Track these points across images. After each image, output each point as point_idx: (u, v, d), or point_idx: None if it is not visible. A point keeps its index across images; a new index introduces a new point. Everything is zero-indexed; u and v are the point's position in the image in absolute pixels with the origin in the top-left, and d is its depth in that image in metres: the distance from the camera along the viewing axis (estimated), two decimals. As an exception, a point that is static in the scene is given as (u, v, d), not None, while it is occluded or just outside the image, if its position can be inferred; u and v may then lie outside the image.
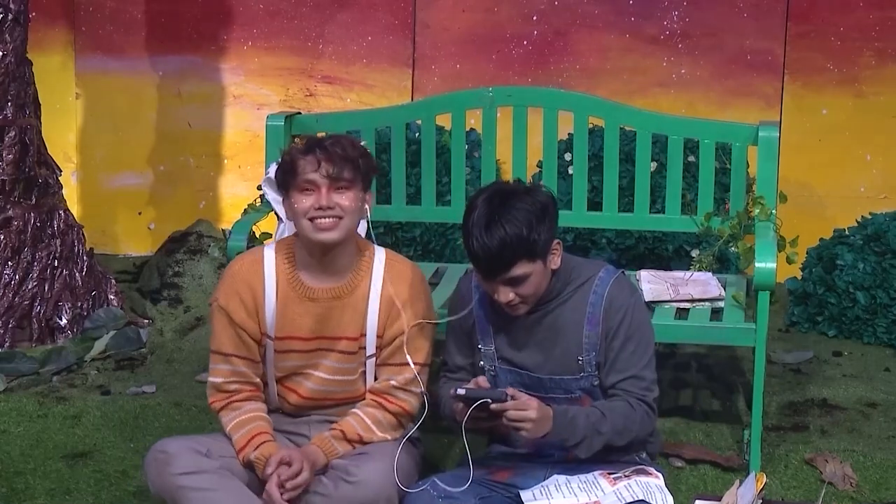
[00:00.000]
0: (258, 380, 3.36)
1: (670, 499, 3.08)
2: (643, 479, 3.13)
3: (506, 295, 3.10)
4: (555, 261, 3.14)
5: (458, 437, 3.15)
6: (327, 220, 3.20)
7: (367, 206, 3.31)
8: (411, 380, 3.32)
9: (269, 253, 3.35)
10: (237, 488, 3.18)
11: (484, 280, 3.14)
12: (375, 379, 3.37)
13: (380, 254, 3.37)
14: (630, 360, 3.16)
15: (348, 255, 3.31)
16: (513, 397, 3.00)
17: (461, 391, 3.04)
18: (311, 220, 3.20)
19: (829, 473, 3.87)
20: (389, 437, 3.30)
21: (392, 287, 3.32)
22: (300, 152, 3.24)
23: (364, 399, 3.36)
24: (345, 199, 3.21)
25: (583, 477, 3.13)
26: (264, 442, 3.24)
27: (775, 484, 3.83)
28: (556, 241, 3.13)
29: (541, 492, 3.10)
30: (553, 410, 3.05)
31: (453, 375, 3.35)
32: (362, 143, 3.36)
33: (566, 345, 3.19)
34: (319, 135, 3.41)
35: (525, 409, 2.99)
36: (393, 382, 3.32)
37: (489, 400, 3.01)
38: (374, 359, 3.35)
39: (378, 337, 3.32)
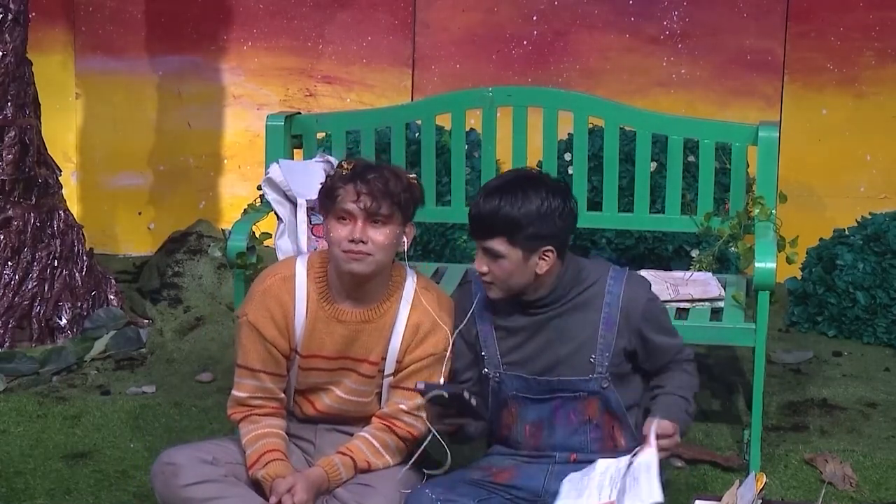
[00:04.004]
0: (283, 395, 3.35)
1: (656, 483, 2.99)
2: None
3: (480, 264, 3.16)
4: (541, 266, 3.14)
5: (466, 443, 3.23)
6: (358, 254, 3.17)
7: (405, 239, 3.27)
8: (421, 405, 3.28)
9: (300, 270, 3.32)
10: (244, 494, 3.18)
11: (471, 239, 3.23)
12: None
13: (411, 279, 3.34)
14: (671, 343, 3.28)
15: (379, 282, 3.28)
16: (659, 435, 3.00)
17: (420, 385, 3.09)
18: (344, 251, 3.17)
19: (829, 473, 3.87)
20: (395, 462, 3.28)
21: (418, 315, 3.30)
22: (342, 179, 3.19)
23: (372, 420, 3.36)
24: (379, 235, 3.17)
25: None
26: (273, 460, 3.23)
27: (775, 484, 3.84)
28: (548, 247, 3.13)
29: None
30: (675, 412, 3.12)
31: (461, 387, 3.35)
32: (411, 175, 3.30)
33: (577, 345, 3.19)
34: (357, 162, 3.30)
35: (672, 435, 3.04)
36: (402, 406, 3.30)
37: (444, 394, 3.04)
38: (391, 378, 3.34)
39: (398, 362, 3.31)
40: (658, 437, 2.98)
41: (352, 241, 3.15)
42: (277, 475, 3.18)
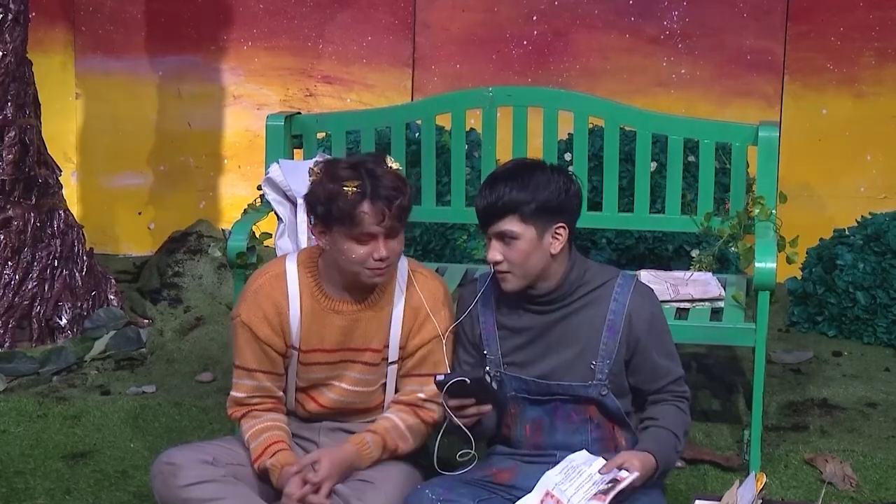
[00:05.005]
0: (280, 393, 3.36)
1: None
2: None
3: (494, 253, 3.11)
4: (554, 245, 3.13)
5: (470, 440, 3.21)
6: (385, 269, 3.19)
7: None
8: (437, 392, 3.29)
9: (290, 267, 3.32)
10: (244, 494, 3.18)
11: (483, 232, 3.17)
12: (397, 389, 3.36)
13: (403, 263, 3.35)
14: (669, 365, 3.23)
15: None
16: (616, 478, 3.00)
17: (440, 377, 3.06)
18: (370, 269, 3.18)
19: (829, 473, 3.87)
20: (414, 447, 3.29)
21: (416, 297, 3.31)
22: (356, 199, 3.12)
23: (380, 410, 3.36)
24: (396, 244, 3.20)
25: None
26: (280, 450, 3.23)
27: (775, 484, 3.84)
28: (560, 223, 3.12)
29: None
30: (654, 455, 3.07)
31: None
32: (395, 164, 3.24)
33: (579, 349, 3.18)
34: (345, 160, 3.26)
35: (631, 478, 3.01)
36: (421, 395, 3.30)
37: (466, 380, 3.02)
38: (395, 366, 3.34)
39: (401, 348, 3.31)
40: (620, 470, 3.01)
41: (378, 259, 3.16)
42: (286, 463, 3.18)
